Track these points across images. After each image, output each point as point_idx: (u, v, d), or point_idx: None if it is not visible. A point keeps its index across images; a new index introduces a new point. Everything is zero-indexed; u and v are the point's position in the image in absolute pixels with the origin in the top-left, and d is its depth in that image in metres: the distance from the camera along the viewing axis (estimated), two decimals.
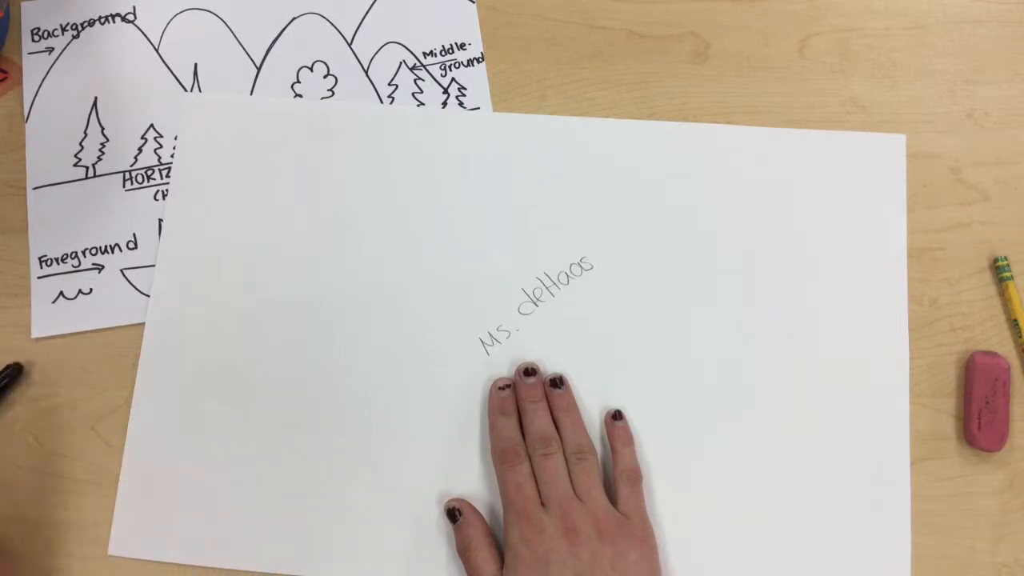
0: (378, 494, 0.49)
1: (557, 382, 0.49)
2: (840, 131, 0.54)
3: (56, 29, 0.57)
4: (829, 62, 0.56)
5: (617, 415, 0.49)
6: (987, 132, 0.55)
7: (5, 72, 0.57)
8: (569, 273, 0.52)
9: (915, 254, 0.53)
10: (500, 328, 0.51)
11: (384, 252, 0.53)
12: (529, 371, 0.49)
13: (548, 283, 0.52)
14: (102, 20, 0.58)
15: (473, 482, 0.49)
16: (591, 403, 0.50)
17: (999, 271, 0.52)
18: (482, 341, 0.51)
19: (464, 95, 0.56)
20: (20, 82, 0.56)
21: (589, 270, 0.52)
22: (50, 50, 0.57)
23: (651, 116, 0.55)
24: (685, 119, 0.55)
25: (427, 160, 0.54)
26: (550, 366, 0.51)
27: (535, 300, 0.51)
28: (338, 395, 0.50)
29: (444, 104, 0.56)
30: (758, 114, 0.55)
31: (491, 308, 0.51)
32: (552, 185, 0.53)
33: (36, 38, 0.57)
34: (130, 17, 0.58)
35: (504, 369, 0.51)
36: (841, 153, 0.54)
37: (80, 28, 0.57)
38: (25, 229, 0.54)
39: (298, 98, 0.55)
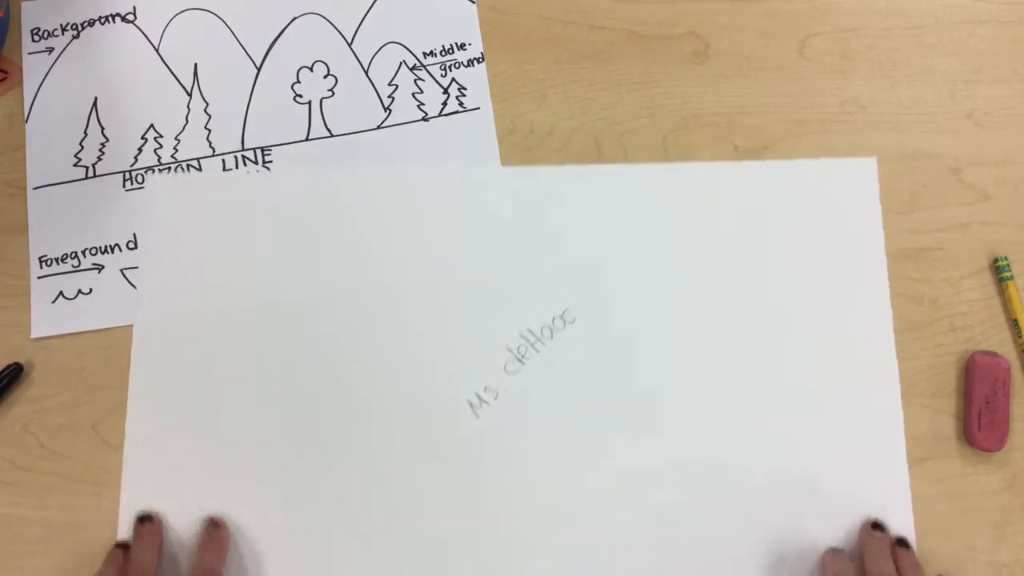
0: (360, 544, 0.48)
1: (903, 542, 0.47)
2: (812, 159, 0.54)
3: (56, 29, 0.57)
4: (829, 62, 0.56)
5: (902, 542, 0.47)
6: (987, 132, 0.55)
7: (5, 72, 0.57)
8: (552, 327, 0.51)
9: (915, 254, 0.53)
10: (487, 389, 0.50)
11: (361, 317, 0.51)
12: (876, 525, 0.47)
13: (532, 339, 0.50)
14: (102, 20, 0.58)
15: (459, 545, 0.48)
16: (584, 460, 0.49)
17: (999, 271, 0.52)
18: (470, 403, 0.50)
19: (464, 95, 0.56)
20: (20, 82, 0.56)
21: (572, 323, 0.51)
22: (50, 50, 0.57)
23: (651, 116, 0.55)
24: (685, 119, 0.55)
25: (395, 223, 0.53)
26: (541, 425, 0.49)
27: (520, 358, 0.50)
28: (330, 456, 0.50)
29: (444, 104, 0.56)
30: (758, 114, 0.55)
31: (476, 369, 0.50)
32: (523, 238, 0.52)
33: (36, 38, 0.57)
34: (130, 17, 0.58)
35: (493, 432, 0.50)
36: (814, 182, 0.53)
37: (80, 28, 0.57)
38: (25, 229, 0.54)
39: (265, 169, 0.54)
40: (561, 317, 0.51)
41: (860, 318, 0.51)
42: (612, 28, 0.57)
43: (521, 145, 0.55)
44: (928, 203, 0.54)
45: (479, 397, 0.50)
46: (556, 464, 0.49)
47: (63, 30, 0.57)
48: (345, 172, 0.54)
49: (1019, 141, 0.55)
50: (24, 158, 0.55)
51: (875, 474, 0.49)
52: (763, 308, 0.51)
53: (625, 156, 0.55)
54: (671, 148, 0.55)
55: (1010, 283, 0.52)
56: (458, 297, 0.51)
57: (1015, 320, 0.52)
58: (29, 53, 0.57)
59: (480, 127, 0.56)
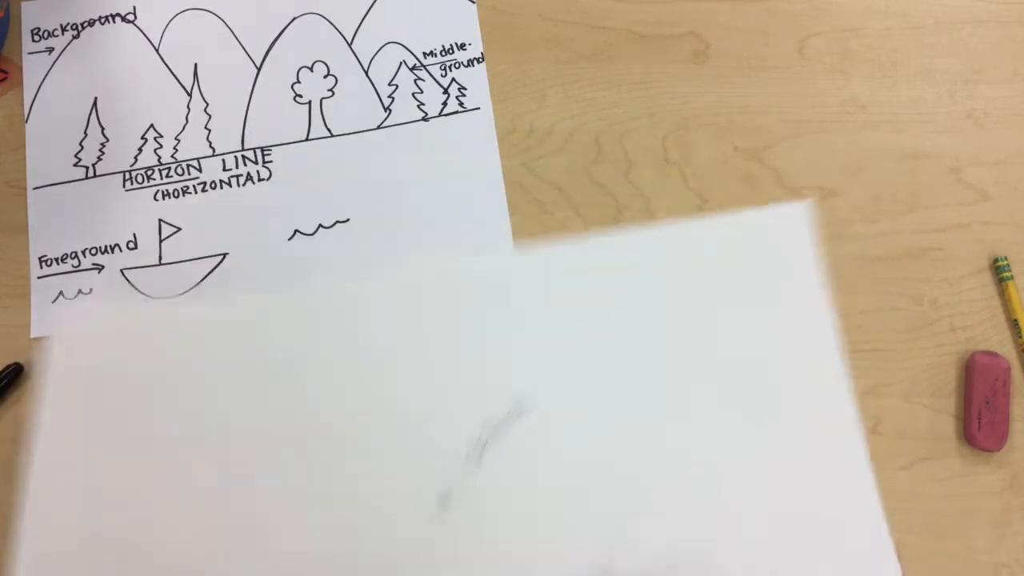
0: None
1: None
2: (745, 210, 0.53)
3: (56, 29, 0.57)
4: (829, 62, 0.56)
5: None
6: (987, 132, 0.55)
7: (5, 72, 0.57)
8: (508, 416, 0.49)
9: (915, 254, 0.53)
10: (447, 485, 0.48)
11: (313, 415, 0.49)
12: None
13: (490, 430, 0.49)
14: (102, 20, 0.58)
15: None
16: (554, 553, 0.47)
17: (999, 271, 0.52)
18: (431, 498, 0.48)
19: (464, 95, 0.56)
20: (20, 82, 0.56)
21: (530, 411, 0.49)
22: (50, 50, 0.57)
23: (651, 116, 0.55)
24: (685, 119, 0.55)
25: (337, 334, 0.51)
26: (504, 519, 0.47)
27: (480, 449, 0.48)
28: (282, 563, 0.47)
29: (444, 104, 0.56)
30: (758, 114, 0.55)
31: (436, 462, 0.48)
32: (466, 326, 0.51)
33: (36, 38, 0.57)
34: (130, 17, 0.58)
35: (458, 533, 0.47)
36: (750, 231, 0.52)
37: (80, 28, 0.58)
38: (25, 229, 0.54)
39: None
40: (518, 406, 0.49)
41: (816, 377, 0.50)
42: (612, 28, 0.57)
43: (521, 145, 0.55)
44: (928, 203, 0.54)
45: (439, 495, 0.48)
46: (526, 555, 0.47)
47: (63, 30, 0.57)
48: (274, 300, 0.52)
49: (1019, 141, 0.55)
50: (24, 158, 0.55)
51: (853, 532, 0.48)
52: (717, 369, 0.50)
53: (625, 156, 0.55)
54: (671, 148, 0.55)
55: (1010, 283, 0.52)
56: (409, 387, 0.50)
57: (1015, 320, 0.52)
58: (29, 53, 0.57)
59: (480, 127, 0.56)
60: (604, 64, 0.56)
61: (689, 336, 0.50)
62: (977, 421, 0.50)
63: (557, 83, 0.56)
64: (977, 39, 0.57)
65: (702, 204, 0.54)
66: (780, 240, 0.52)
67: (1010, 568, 0.49)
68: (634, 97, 0.56)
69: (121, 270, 0.54)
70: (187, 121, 0.56)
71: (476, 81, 0.56)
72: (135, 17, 0.58)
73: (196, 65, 0.57)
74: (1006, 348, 0.52)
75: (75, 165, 0.55)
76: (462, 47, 0.57)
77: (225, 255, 0.54)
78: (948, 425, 0.51)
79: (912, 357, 0.52)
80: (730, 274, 0.51)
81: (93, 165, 0.55)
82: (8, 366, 0.52)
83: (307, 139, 0.56)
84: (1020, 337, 0.51)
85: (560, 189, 0.55)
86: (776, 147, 0.55)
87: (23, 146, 0.56)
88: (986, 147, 0.55)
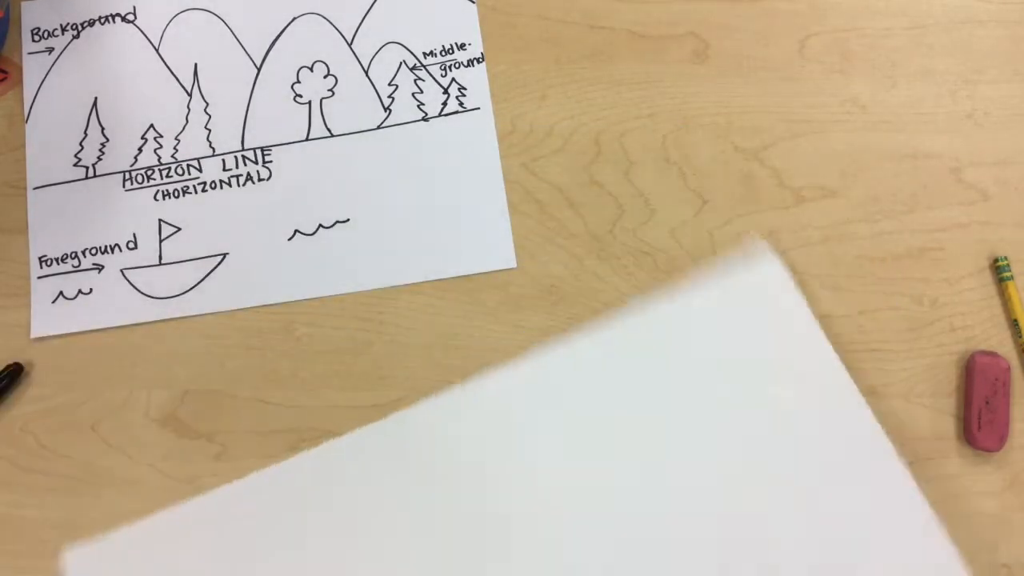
0: None
1: None
2: (721, 279, 0.52)
3: (56, 29, 0.57)
4: (829, 62, 0.56)
5: None
6: (987, 132, 0.55)
7: (5, 72, 0.57)
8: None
9: (915, 254, 0.53)
10: None
11: None
12: None
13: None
14: (102, 20, 0.58)
15: None
16: None
17: (999, 271, 0.52)
18: None
19: (464, 95, 0.56)
20: (20, 82, 0.56)
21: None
22: (50, 50, 0.57)
23: (651, 116, 0.55)
24: (685, 119, 0.55)
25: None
26: None
27: None
28: None
29: (444, 104, 0.56)
30: (758, 114, 0.55)
31: None
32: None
33: (36, 38, 0.57)
34: (130, 17, 0.58)
35: None
36: (732, 297, 0.51)
37: (80, 28, 0.57)
38: (25, 229, 0.54)
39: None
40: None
41: (843, 428, 0.49)
42: (612, 28, 0.57)
43: (521, 145, 0.55)
44: (928, 203, 0.54)
45: None
46: None
47: (63, 30, 0.57)
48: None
49: (1019, 141, 0.55)
50: (24, 158, 0.55)
51: None
52: (736, 458, 0.49)
53: (625, 156, 0.55)
54: (671, 148, 0.55)
55: (1010, 283, 0.52)
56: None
57: (1015, 320, 0.52)
58: (29, 53, 0.57)
59: (480, 127, 0.56)
60: (604, 64, 0.56)
61: (698, 419, 0.50)
62: (977, 421, 0.50)
63: (557, 83, 0.56)
64: (977, 39, 0.57)
65: (702, 204, 0.54)
66: (766, 301, 0.51)
67: (1010, 568, 0.49)
68: (634, 97, 0.56)
69: (121, 270, 0.54)
70: (187, 121, 0.56)
71: (476, 81, 0.56)
72: (135, 17, 0.58)
73: (196, 65, 0.57)
74: (1006, 348, 0.52)
75: (75, 165, 0.55)
76: (462, 47, 0.57)
77: (225, 255, 0.54)
78: (948, 425, 0.51)
79: (912, 357, 0.52)
80: (730, 345, 0.51)
81: (93, 165, 0.55)
82: (8, 366, 0.52)
83: (307, 139, 0.56)
84: (1020, 337, 0.51)
85: (560, 189, 0.55)
86: (776, 147, 0.55)
87: (23, 146, 0.56)
88: (986, 147, 0.55)
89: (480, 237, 0.54)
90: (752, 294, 0.52)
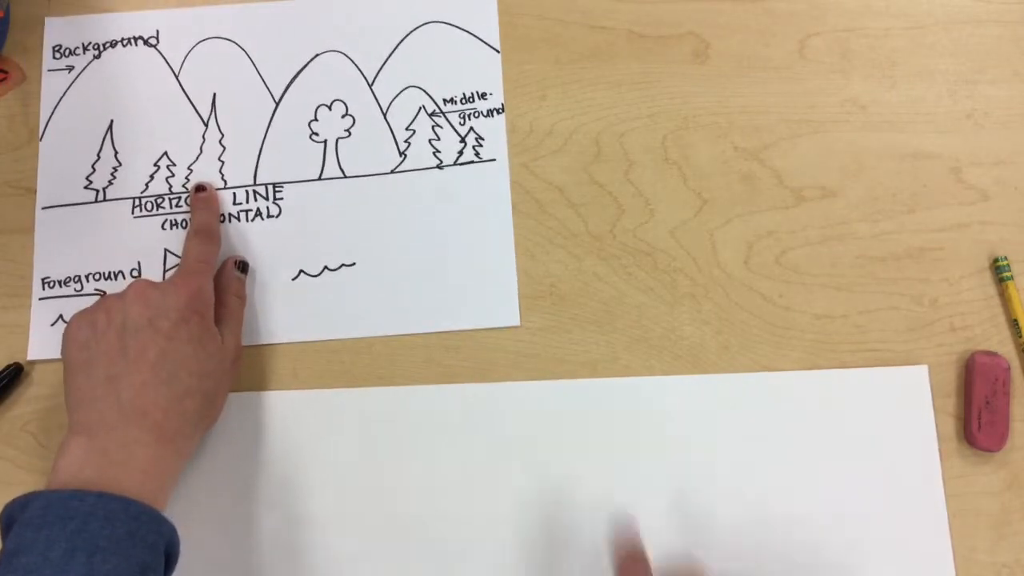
0: None
1: None
2: (860, 368, 0.52)
3: (78, 47, 0.56)
4: (829, 62, 0.56)
5: None
6: (987, 132, 0.55)
7: (5, 72, 0.57)
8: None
9: (915, 254, 0.53)
10: None
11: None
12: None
13: None
14: (124, 42, 0.57)
15: None
16: None
17: (999, 271, 0.52)
18: None
19: (481, 145, 0.55)
20: (20, 82, 0.56)
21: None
22: (70, 68, 0.56)
23: (651, 116, 0.55)
24: (685, 119, 0.55)
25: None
26: None
27: None
28: None
29: (460, 152, 0.55)
30: (758, 114, 0.55)
31: None
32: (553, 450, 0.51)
33: (57, 55, 0.56)
34: (152, 41, 0.57)
35: None
36: (863, 390, 0.51)
37: (102, 48, 0.57)
38: (25, 229, 0.54)
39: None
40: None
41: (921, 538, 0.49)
42: (612, 28, 0.57)
43: (521, 145, 0.55)
44: (928, 203, 0.54)
45: None
46: None
47: (84, 49, 0.56)
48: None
49: (1019, 141, 0.55)
50: (24, 157, 0.55)
51: None
52: (818, 521, 0.50)
53: (625, 156, 0.55)
54: (671, 148, 0.55)
55: (1010, 283, 0.52)
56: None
57: (1015, 320, 0.52)
58: (49, 70, 0.56)
59: (495, 179, 0.55)
60: (604, 64, 0.56)
61: (793, 484, 0.50)
62: (977, 421, 0.50)
63: (557, 83, 0.56)
64: (977, 39, 0.57)
65: (702, 204, 0.54)
66: (898, 401, 0.51)
67: (1010, 568, 0.49)
68: (634, 97, 0.56)
69: None
70: (201, 151, 0.55)
71: (494, 132, 0.55)
72: (157, 41, 0.57)
73: (215, 95, 0.56)
74: (1006, 348, 0.52)
75: (86, 187, 0.55)
76: (483, 96, 0.56)
77: None
78: (948, 425, 0.51)
79: (912, 357, 0.52)
80: (845, 429, 0.51)
81: (103, 189, 0.55)
82: (8, 366, 0.52)
83: (320, 178, 0.55)
84: (1020, 337, 0.51)
85: (560, 189, 0.55)
86: (776, 147, 0.55)
87: (23, 145, 0.55)
88: (986, 147, 0.55)
89: (485, 293, 0.53)
90: (885, 386, 0.51)
